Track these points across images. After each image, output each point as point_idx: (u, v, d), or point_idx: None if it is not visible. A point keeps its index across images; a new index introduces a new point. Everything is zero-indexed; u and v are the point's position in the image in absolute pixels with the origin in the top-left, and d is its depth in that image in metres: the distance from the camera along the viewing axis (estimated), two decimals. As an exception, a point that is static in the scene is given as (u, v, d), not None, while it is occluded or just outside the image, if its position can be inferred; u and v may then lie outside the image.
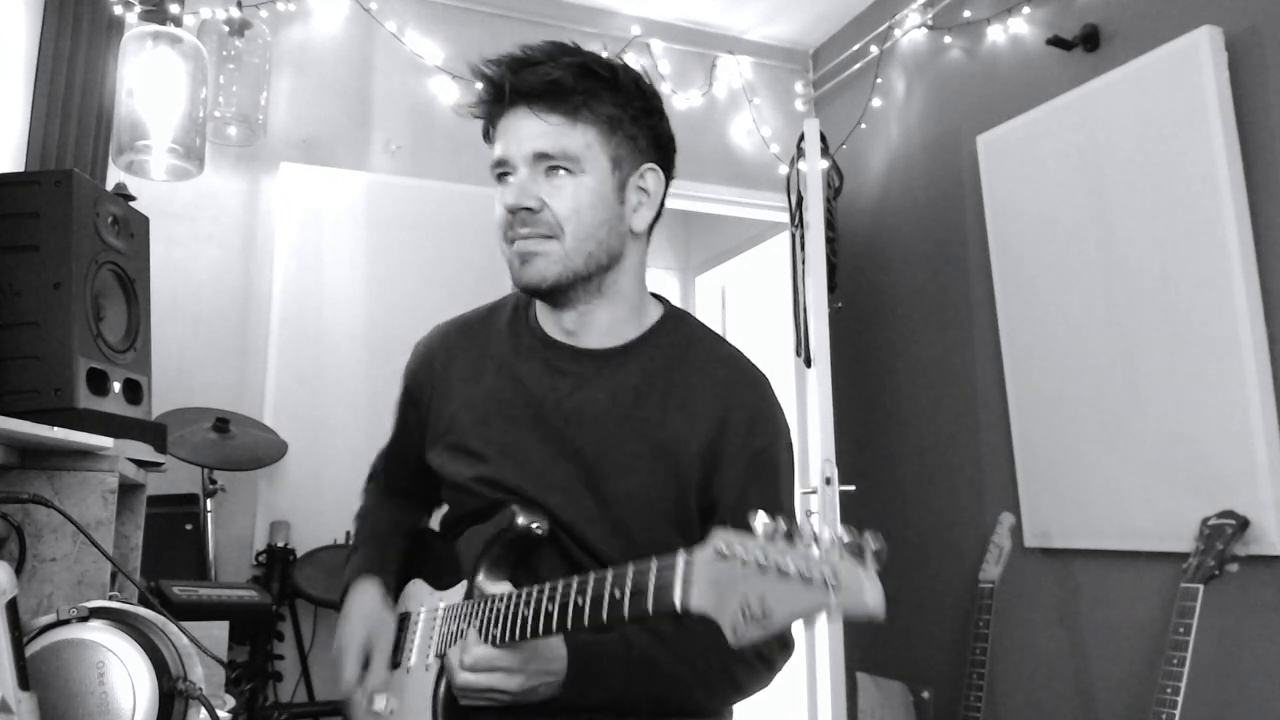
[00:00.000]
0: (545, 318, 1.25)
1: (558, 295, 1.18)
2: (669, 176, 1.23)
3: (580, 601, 0.94)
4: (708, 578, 0.80)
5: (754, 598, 0.75)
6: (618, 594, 0.89)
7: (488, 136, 1.22)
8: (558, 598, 0.97)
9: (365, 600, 1.28)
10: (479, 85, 1.18)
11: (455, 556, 1.26)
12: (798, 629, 0.82)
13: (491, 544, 1.16)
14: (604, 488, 1.16)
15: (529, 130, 1.14)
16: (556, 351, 1.22)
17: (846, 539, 0.72)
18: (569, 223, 1.13)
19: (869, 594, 0.70)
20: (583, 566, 1.12)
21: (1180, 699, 1.90)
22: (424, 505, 1.46)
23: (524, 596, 1.02)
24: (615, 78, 1.16)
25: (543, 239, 1.14)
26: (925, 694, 2.97)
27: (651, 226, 1.23)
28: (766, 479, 1.18)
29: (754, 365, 1.25)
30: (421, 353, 1.35)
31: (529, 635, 1.00)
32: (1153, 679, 2.01)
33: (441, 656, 1.15)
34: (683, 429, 1.16)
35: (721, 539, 0.80)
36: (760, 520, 0.77)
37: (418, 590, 1.31)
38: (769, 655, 1.16)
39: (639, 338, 1.23)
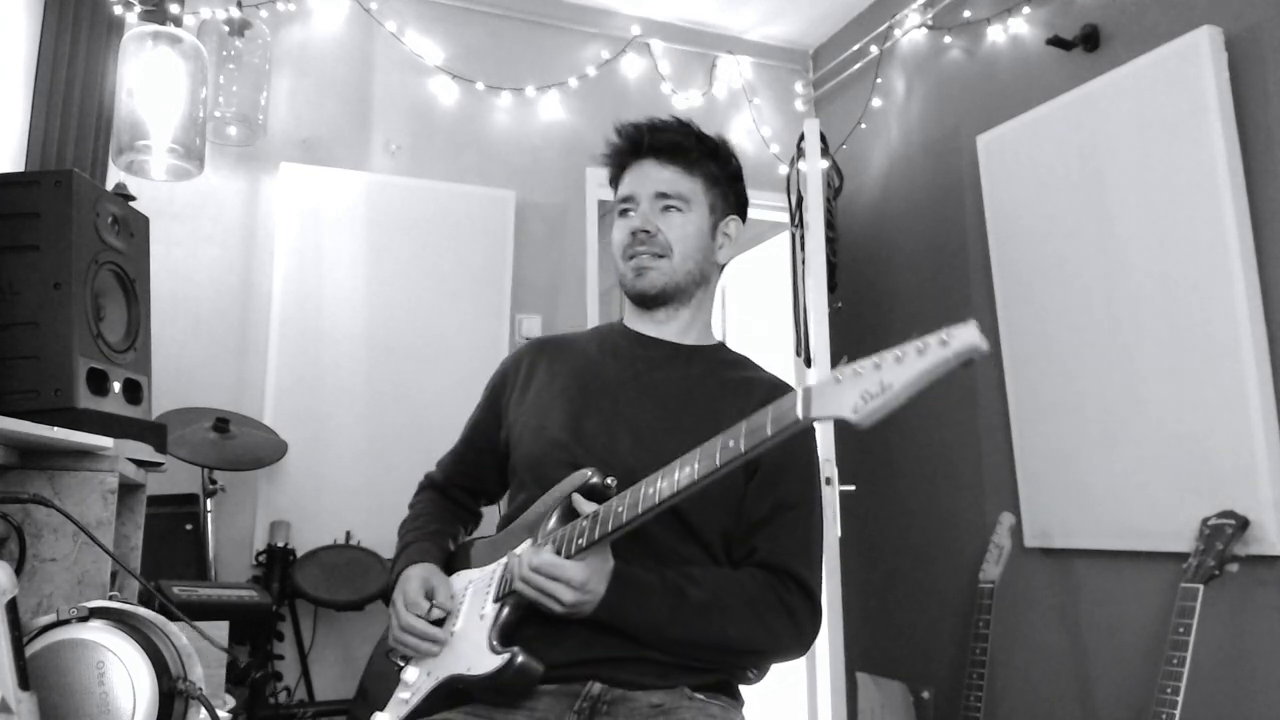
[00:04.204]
0: (634, 320, 1.51)
1: (660, 300, 1.46)
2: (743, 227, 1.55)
3: (688, 468, 1.08)
4: (824, 396, 0.96)
5: (872, 385, 0.91)
6: (731, 441, 1.05)
7: (614, 183, 1.53)
8: (658, 480, 1.11)
9: (421, 568, 1.38)
10: (619, 140, 1.51)
11: (509, 537, 1.35)
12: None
13: (565, 499, 1.25)
14: (662, 447, 1.27)
15: (655, 175, 1.47)
16: (640, 341, 1.49)
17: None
18: (678, 245, 1.44)
19: (976, 336, 0.87)
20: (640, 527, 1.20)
21: (1180, 699, 1.90)
22: (472, 513, 1.61)
23: (615, 499, 1.16)
24: (718, 149, 1.51)
25: (655, 257, 1.44)
26: (925, 694, 2.96)
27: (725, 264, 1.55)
28: (800, 451, 1.37)
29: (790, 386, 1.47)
30: (512, 356, 1.58)
31: (624, 523, 1.12)
32: (1153, 679, 2.01)
33: (501, 599, 1.26)
34: (731, 408, 1.32)
35: (836, 368, 0.97)
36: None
37: (459, 578, 1.39)
38: (793, 605, 1.29)
39: (706, 345, 1.50)
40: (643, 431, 1.35)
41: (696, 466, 1.08)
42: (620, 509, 1.14)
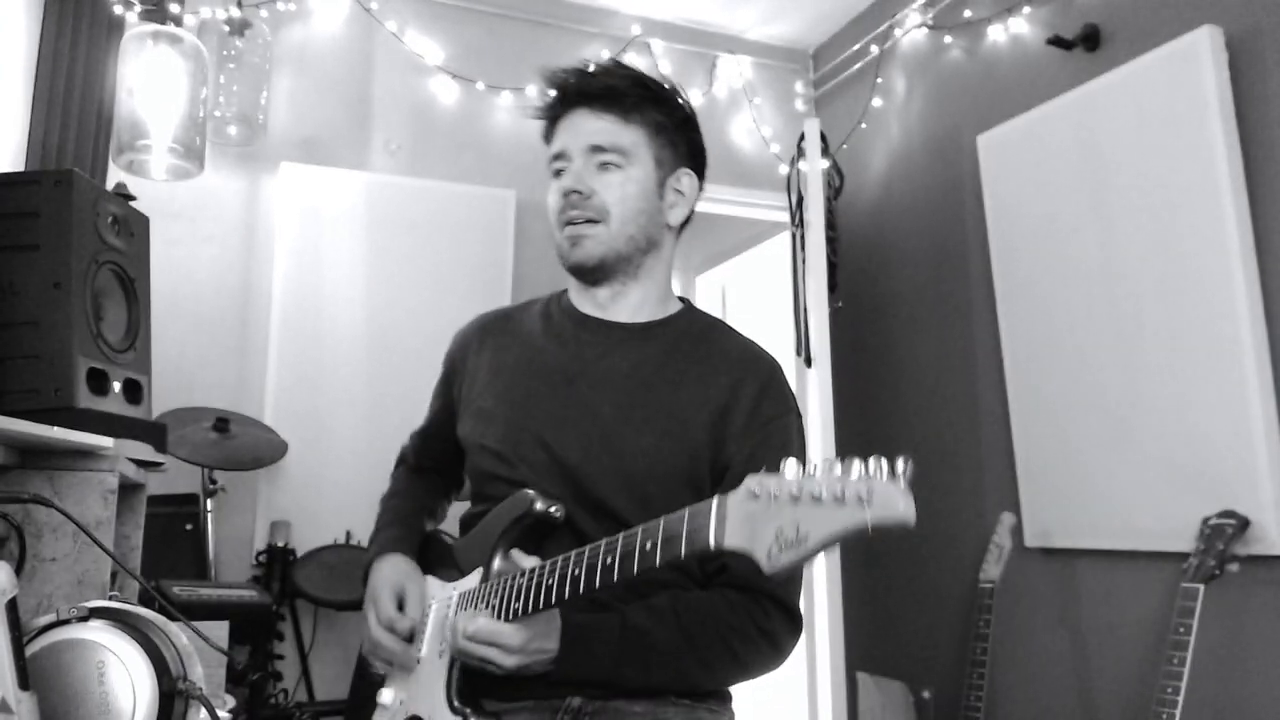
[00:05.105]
0: (579, 297, 1.37)
1: (601, 273, 1.30)
2: (701, 183, 1.37)
3: (609, 559, 0.98)
4: (741, 516, 0.85)
5: (789, 526, 0.80)
6: (649, 545, 0.95)
7: (548, 138, 1.36)
8: (584, 560, 1.02)
9: (393, 563, 1.32)
10: (547, 89, 1.33)
11: (468, 548, 1.28)
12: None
13: (510, 529, 1.19)
14: (620, 445, 1.22)
15: (588, 126, 1.29)
16: (587, 324, 1.33)
17: (874, 464, 0.77)
18: (615, 208, 1.27)
19: (901, 504, 0.74)
20: None
21: (1181, 699, 1.90)
22: (450, 483, 1.54)
23: (549, 566, 1.07)
24: (662, 91, 1.32)
25: (590, 223, 1.27)
26: (926, 694, 2.96)
27: (683, 225, 1.37)
28: (775, 446, 1.22)
29: (767, 352, 1.34)
30: (459, 337, 1.45)
31: (553, 601, 1.04)
32: (1153, 679, 2.00)
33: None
34: (695, 396, 1.24)
35: (753, 480, 0.85)
36: (790, 463, 0.82)
37: (429, 586, 1.33)
38: (772, 630, 1.19)
39: (663, 319, 1.34)
40: (593, 435, 1.23)
41: (616, 562, 0.98)
42: (552, 581, 1.05)
